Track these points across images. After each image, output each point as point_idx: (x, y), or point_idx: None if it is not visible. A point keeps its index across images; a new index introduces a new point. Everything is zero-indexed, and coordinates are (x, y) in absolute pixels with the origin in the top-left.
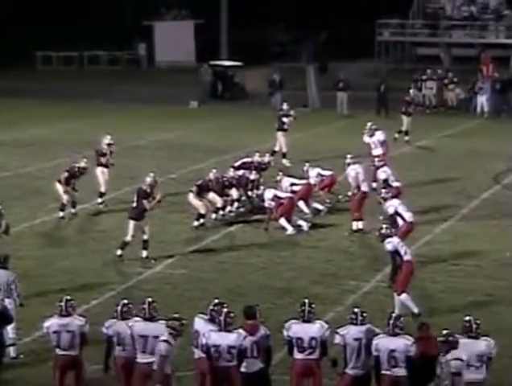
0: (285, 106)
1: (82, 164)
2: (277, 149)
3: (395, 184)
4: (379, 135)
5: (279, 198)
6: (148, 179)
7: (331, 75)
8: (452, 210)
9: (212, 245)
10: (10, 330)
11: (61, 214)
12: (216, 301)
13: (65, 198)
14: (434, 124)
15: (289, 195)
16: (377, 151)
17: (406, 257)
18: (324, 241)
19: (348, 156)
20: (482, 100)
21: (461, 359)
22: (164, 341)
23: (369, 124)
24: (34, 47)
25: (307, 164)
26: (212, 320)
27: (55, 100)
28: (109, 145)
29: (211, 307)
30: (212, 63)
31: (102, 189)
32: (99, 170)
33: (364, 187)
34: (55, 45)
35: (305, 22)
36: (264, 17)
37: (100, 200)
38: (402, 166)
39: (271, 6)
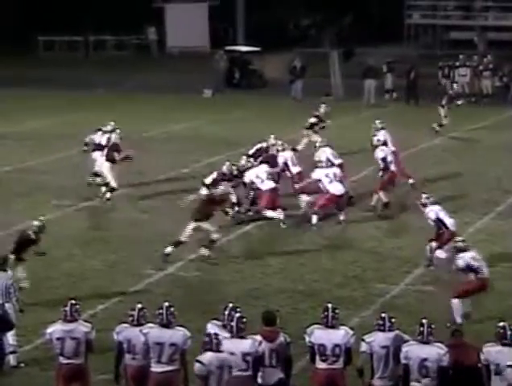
0: (322, 109)
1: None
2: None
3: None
4: (380, 135)
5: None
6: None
7: (356, 61)
8: (487, 207)
9: (228, 246)
10: (10, 336)
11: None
12: (231, 305)
13: None
14: (468, 114)
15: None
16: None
17: (481, 275)
18: (348, 241)
19: (375, 138)
20: None
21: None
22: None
23: (377, 121)
24: (35, 32)
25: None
26: (225, 326)
27: (57, 89)
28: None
29: (225, 312)
30: (227, 48)
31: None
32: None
33: (392, 167)
34: (58, 29)
35: (328, 3)
36: None
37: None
38: (432, 158)
39: None
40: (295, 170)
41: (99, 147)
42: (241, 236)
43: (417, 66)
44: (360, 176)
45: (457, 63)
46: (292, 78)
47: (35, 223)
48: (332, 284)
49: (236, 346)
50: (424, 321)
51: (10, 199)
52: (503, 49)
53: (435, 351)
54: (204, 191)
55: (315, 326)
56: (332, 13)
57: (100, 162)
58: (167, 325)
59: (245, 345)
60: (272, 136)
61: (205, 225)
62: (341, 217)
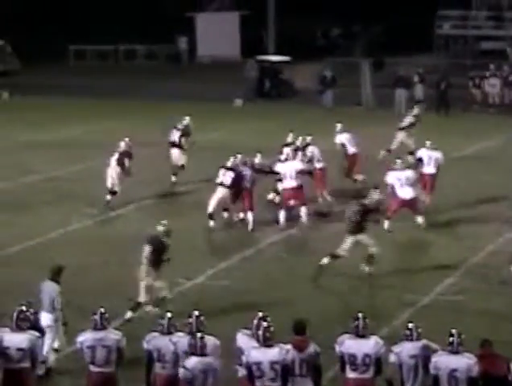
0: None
1: None
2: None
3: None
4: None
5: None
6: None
7: (387, 71)
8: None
9: (258, 254)
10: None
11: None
12: (260, 314)
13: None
14: (497, 124)
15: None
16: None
17: None
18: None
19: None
20: None
21: None
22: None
23: (338, 125)
24: (66, 41)
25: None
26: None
27: (88, 97)
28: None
29: (254, 321)
30: (258, 58)
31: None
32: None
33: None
34: (89, 38)
35: (359, 13)
36: (315, 8)
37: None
38: (464, 168)
39: None
40: (318, 165)
41: (174, 144)
42: (271, 244)
43: (448, 76)
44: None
45: (487, 74)
46: (322, 88)
47: (160, 228)
48: (362, 293)
49: (263, 355)
50: (454, 331)
51: (40, 208)
52: None
53: (464, 362)
54: (376, 195)
55: (346, 335)
56: (363, 23)
57: (177, 157)
58: (195, 333)
59: (273, 353)
60: (291, 134)
61: (362, 238)
62: (419, 220)
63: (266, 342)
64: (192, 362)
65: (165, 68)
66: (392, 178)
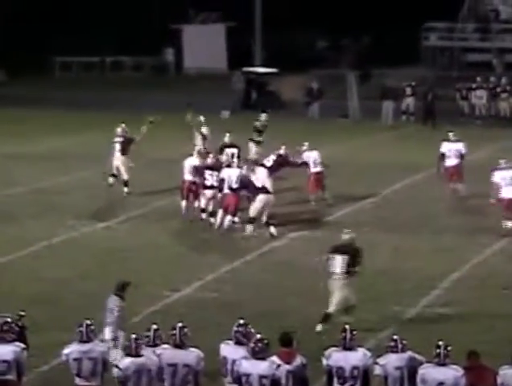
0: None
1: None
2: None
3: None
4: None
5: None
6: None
7: (373, 82)
8: (504, 229)
9: (245, 266)
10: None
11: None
12: (241, 321)
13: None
14: (485, 136)
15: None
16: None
17: None
18: (363, 262)
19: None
20: None
21: None
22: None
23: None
24: (52, 52)
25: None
26: (239, 343)
27: (73, 109)
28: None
29: (235, 329)
30: (245, 69)
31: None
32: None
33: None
34: (74, 50)
35: (346, 25)
36: (301, 20)
37: (126, 189)
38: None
39: (309, 8)
40: (314, 170)
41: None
42: (260, 255)
43: (434, 88)
44: (379, 197)
45: (474, 85)
46: (309, 100)
47: (347, 236)
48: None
49: (253, 368)
50: (440, 343)
51: (24, 220)
52: None
53: (451, 374)
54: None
55: (333, 348)
56: (350, 35)
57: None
58: (180, 346)
59: (263, 367)
60: (283, 146)
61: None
62: (510, 225)
63: (257, 355)
64: (126, 362)
65: (152, 80)
66: (497, 177)
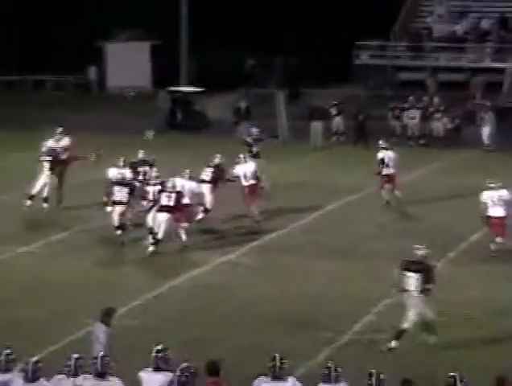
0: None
1: None
2: None
3: None
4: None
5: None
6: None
7: (303, 102)
8: (437, 253)
9: (170, 292)
10: None
11: None
12: (159, 346)
13: None
14: (417, 157)
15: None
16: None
17: None
18: (294, 287)
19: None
20: (486, 132)
21: None
22: None
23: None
24: None
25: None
26: (158, 369)
27: None
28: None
29: (153, 354)
30: (170, 88)
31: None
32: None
33: None
34: None
35: (274, 43)
36: (227, 38)
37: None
38: (379, 202)
39: (236, 26)
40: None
41: None
42: (187, 279)
43: (366, 107)
44: (308, 220)
45: (407, 105)
46: (237, 119)
47: (419, 252)
48: (278, 332)
49: None
50: (373, 371)
51: None
52: (454, 90)
53: None
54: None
55: (262, 377)
56: (279, 53)
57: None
58: (101, 375)
59: None
60: (218, 155)
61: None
62: (498, 240)
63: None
64: None
65: (74, 99)
66: (485, 197)
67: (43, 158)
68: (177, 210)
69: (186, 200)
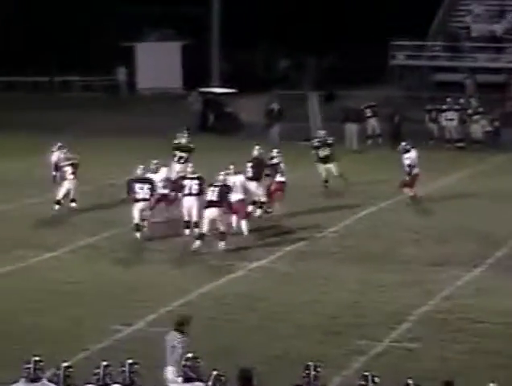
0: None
1: None
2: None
3: None
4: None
5: None
6: None
7: (338, 103)
8: (475, 259)
9: (199, 299)
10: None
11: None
12: (189, 355)
13: None
14: (455, 161)
15: None
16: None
17: None
18: (327, 294)
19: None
20: None
21: None
22: None
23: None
24: None
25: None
26: (187, 379)
27: (16, 132)
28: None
29: (183, 363)
30: (201, 90)
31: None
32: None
33: None
34: (20, 69)
35: (309, 43)
36: (262, 38)
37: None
38: (419, 208)
39: (269, 26)
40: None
41: None
42: (213, 288)
43: (401, 109)
44: (341, 226)
45: (444, 107)
46: (269, 121)
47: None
48: (312, 341)
49: None
50: (410, 381)
51: None
52: (492, 92)
53: None
54: None
55: None
56: (314, 54)
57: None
58: (130, 384)
59: None
60: (257, 147)
61: None
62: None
63: None
64: None
65: (103, 101)
66: None
67: (63, 164)
68: (226, 205)
69: (239, 196)
